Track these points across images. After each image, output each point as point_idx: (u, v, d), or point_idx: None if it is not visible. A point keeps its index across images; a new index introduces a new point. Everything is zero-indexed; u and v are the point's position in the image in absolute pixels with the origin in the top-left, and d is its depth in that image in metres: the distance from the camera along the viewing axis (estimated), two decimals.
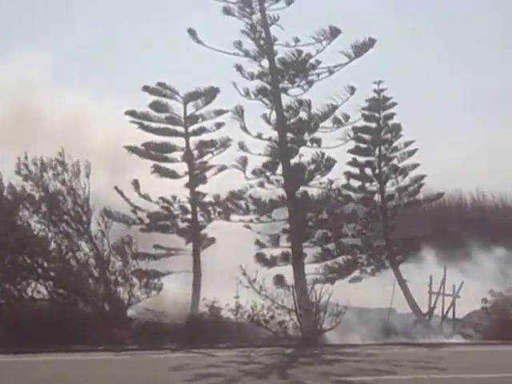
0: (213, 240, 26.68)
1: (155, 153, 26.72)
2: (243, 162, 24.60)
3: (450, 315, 28.25)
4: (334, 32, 24.25)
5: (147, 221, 26.15)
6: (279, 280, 23.98)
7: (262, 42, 24.67)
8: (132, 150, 26.49)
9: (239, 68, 24.53)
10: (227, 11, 24.49)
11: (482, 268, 30.45)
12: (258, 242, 24.95)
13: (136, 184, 26.16)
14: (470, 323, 27.13)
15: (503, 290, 26.30)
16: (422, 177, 28.61)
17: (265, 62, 24.82)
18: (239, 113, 24.49)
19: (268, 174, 24.85)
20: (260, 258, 24.70)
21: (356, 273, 27.55)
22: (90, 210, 25.36)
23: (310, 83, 24.81)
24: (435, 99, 54.62)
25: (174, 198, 26.56)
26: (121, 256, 24.85)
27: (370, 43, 24.59)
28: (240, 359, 18.12)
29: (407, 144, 28.67)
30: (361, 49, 24.40)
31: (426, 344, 22.81)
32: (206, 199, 26.69)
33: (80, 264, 24.67)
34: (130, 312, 24.43)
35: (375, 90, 28.93)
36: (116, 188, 25.90)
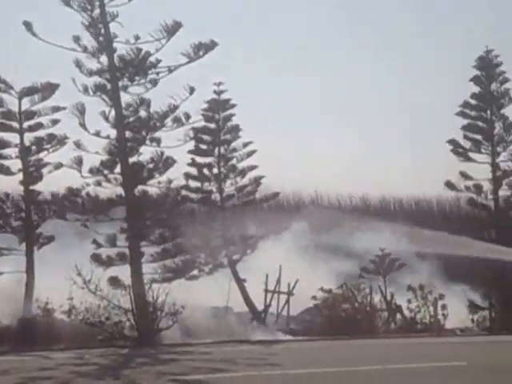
0: (50, 239, 26.09)
1: None
2: (78, 162, 24.18)
3: (284, 312, 28.94)
4: (173, 29, 24.25)
5: None
6: (115, 281, 23.74)
7: (101, 38, 24.34)
8: None
9: (78, 63, 24.10)
10: (66, 2, 24.00)
11: (318, 265, 31.31)
12: (94, 242, 24.54)
13: None
14: (303, 320, 27.93)
15: (334, 287, 27.29)
16: (260, 177, 29.21)
17: (104, 59, 24.52)
18: (80, 110, 24.03)
19: (106, 172, 24.53)
20: (96, 257, 24.29)
21: (194, 272, 27.69)
22: None
23: (150, 82, 24.70)
24: (281, 101, 55.89)
25: (7, 195, 25.76)
26: None
27: (211, 45, 24.75)
28: (73, 361, 17.78)
29: (246, 145, 29.21)
30: (201, 50, 24.54)
31: (261, 341, 23.30)
32: (42, 197, 26.09)
33: None
34: None
35: (215, 91, 29.29)
36: None
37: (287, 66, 57.96)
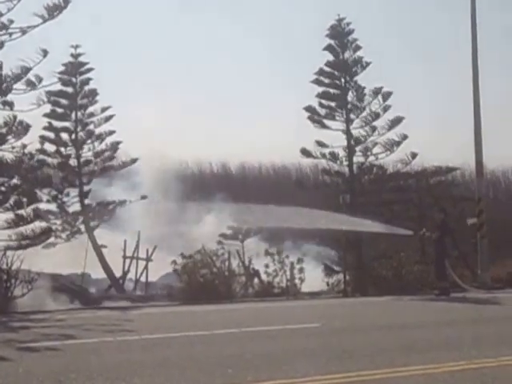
0: None
1: None
2: None
3: (143, 279, 28.91)
4: None
5: None
6: None
7: None
8: None
9: None
10: None
11: (178, 231, 31.38)
12: None
13: None
14: (162, 285, 27.96)
15: (193, 252, 27.42)
16: (118, 143, 28.94)
17: None
18: None
19: None
20: None
21: (51, 238, 27.23)
22: None
23: (2, 43, 23.93)
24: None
25: None
26: None
27: (64, 4, 24.17)
28: None
29: (104, 110, 28.85)
30: (54, 10, 23.92)
31: (118, 307, 23.16)
32: None
33: None
34: None
35: (72, 55, 28.71)
36: None
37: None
